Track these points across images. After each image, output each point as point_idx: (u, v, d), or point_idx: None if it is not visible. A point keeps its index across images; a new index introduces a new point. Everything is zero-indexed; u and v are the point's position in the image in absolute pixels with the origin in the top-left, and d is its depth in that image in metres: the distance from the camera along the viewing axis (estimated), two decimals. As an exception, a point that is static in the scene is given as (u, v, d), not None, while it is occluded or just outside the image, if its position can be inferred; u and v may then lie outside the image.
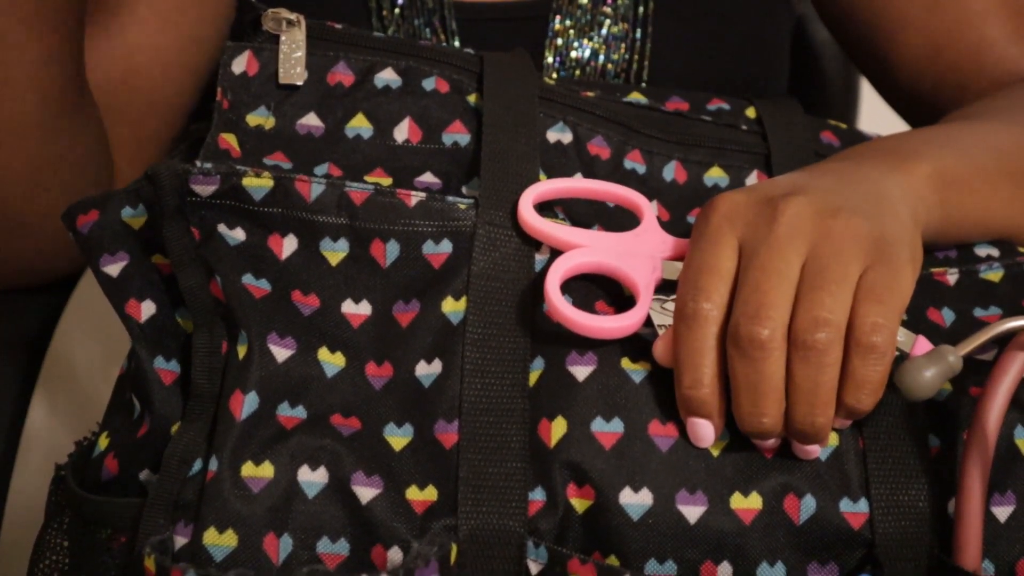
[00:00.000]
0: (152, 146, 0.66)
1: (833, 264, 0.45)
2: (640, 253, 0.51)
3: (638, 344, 0.49)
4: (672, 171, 0.58)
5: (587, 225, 0.54)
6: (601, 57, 0.65)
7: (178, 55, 0.65)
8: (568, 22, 0.65)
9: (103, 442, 0.52)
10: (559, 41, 0.65)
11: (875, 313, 0.44)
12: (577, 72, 0.66)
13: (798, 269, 0.46)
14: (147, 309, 0.52)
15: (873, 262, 0.46)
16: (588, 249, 0.51)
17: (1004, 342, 0.48)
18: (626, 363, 0.49)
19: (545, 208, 0.53)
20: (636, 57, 0.66)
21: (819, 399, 0.45)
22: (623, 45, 0.66)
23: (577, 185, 0.54)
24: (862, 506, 0.48)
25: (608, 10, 0.65)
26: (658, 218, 0.54)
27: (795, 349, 0.45)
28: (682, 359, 0.46)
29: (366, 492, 0.47)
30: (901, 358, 0.47)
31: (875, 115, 0.77)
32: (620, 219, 0.55)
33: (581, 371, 0.49)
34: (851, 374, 0.45)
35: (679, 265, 0.50)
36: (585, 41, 0.65)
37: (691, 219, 0.57)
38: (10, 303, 0.69)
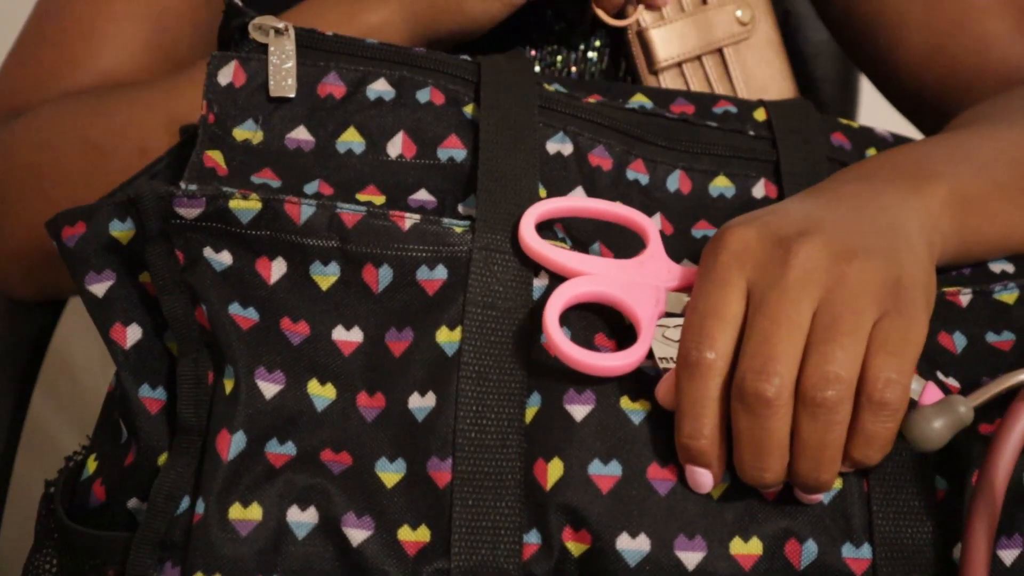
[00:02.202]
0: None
1: (846, 314, 0.43)
2: (644, 284, 0.49)
3: (638, 381, 0.48)
4: (676, 181, 0.56)
5: (588, 242, 0.52)
6: (581, 45, 0.64)
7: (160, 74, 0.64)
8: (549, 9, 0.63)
9: (91, 465, 0.51)
10: (540, 27, 0.63)
11: (889, 367, 0.43)
12: (559, 58, 0.64)
13: (809, 317, 0.44)
14: (132, 334, 0.50)
15: (887, 310, 0.44)
16: (590, 278, 0.49)
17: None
18: (625, 403, 0.48)
19: (544, 226, 0.51)
20: (622, 43, 0.64)
21: (825, 456, 0.43)
22: (604, 31, 0.64)
23: (580, 205, 0.52)
24: (865, 552, 0.46)
25: None
26: (661, 232, 0.53)
27: (803, 405, 0.43)
28: (683, 408, 0.45)
29: (357, 533, 0.46)
30: (909, 405, 0.46)
31: (875, 116, 0.75)
32: (622, 236, 0.53)
33: (579, 410, 0.47)
34: (861, 429, 0.44)
35: (684, 297, 0.49)
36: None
37: (696, 232, 0.55)
38: (10, 303, 0.68)
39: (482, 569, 0.46)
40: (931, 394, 0.45)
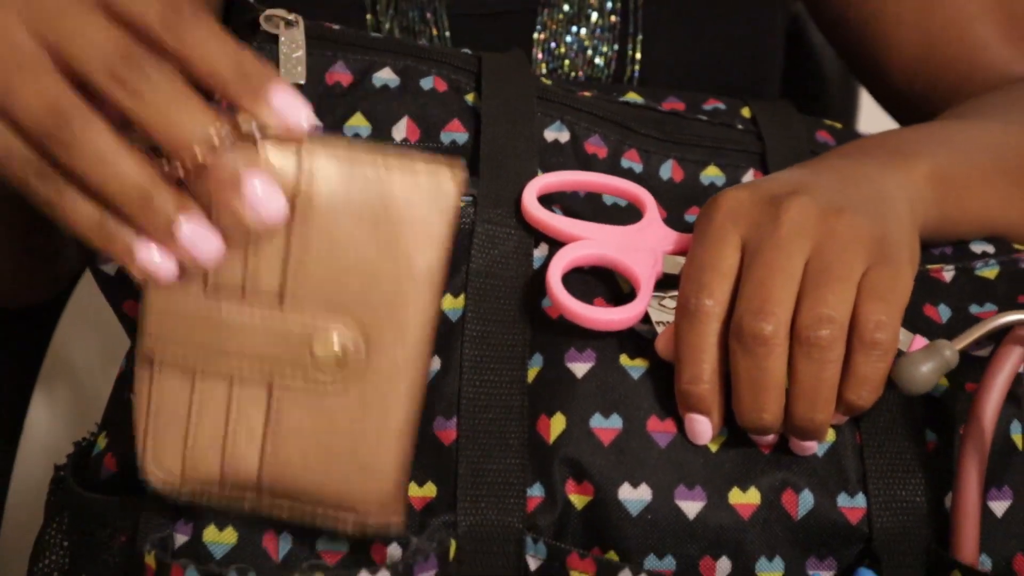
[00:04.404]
0: None
1: (837, 262, 0.45)
2: (642, 247, 0.51)
3: (637, 341, 0.50)
4: (669, 170, 0.58)
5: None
6: (589, 50, 0.66)
7: None
8: (557, 15, 0.66)
9: (102, 441, 0.52)
10: (547, 33, 0.66)
11: (879, 311, 0.45)
12: (566, 63, 0.66)
13: (801, 267, 0.46)
14: None
15: (875, 261, 0.46)
16: (590, 241, 0.51)
17: (1000, 338, 0.48)
18: (624, 360, 0.49)
19: (543, 204, 0.53)
20: (629, 48, 0.66)
21: (820, 396, 0.45)
22: (611, 36, 0.66)
23: (581, 178, 0.54)
24: (859, 501, 0.48)
25: (595, 2, 0.66)
26: None
27: (798, 345, 0.45)
28: (682, 354, 0.47)
29: (365, 489, 0.47)
30: (898, 356, 0.47)
31: (875, 117, 0.77)
32: (618, 217, 0.55)
33: (580, 368, 0.49)
34: (853, 371, 0.45)
35: (680, 260, 0.50)
36: (573, 34, 0.65)
37: (688, 218, 0.57)
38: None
39: (487, 521, 0.47)
40: (919, 345, 0.47)
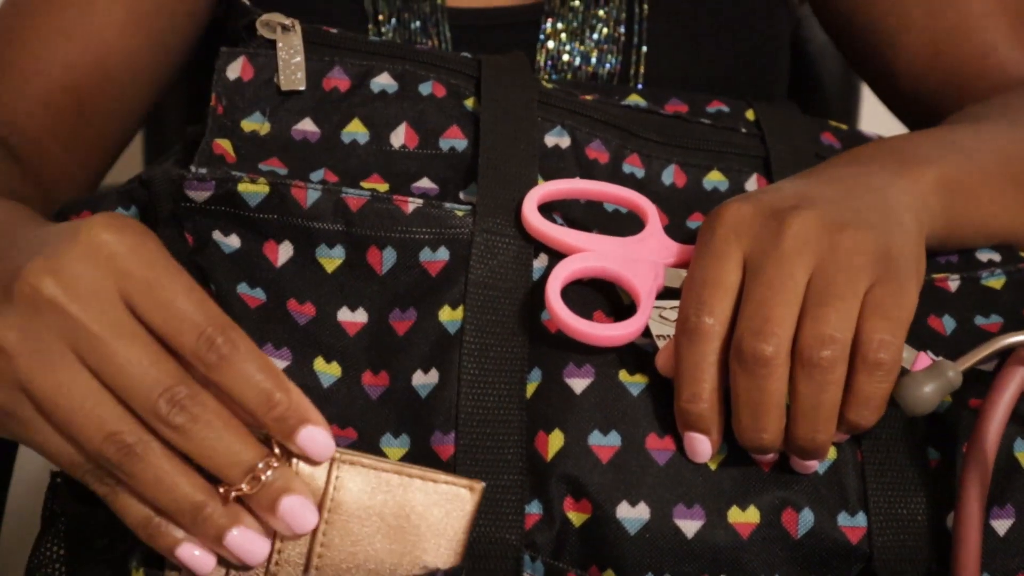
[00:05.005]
0: (112, 151, 0.67)
1: (840, 280, 0.45)
2: (643, 259, 0.50)
3: (636, 356, 0.49)
4: (671, 175, 0.58)
5: (586, 230, 0.54)
6: (593, 60, 0.65)
7: (149, 60, 0.65)
8: (560, 25, 0.65)
9: None
10: (550, 44, 0.65)
11: (882, 329, 0.44)
12: (568, 76, 0.66)
13: (804, 284, 0.45)
14: None
15: (879, 277, 0.45)
16: (590, 254, 0.50)
17: (1004, 354, 0.47)
18: (624, 375, 0.49)
19: (544, 212, 0.53)
20: (633, 59, 0.66)
21: (821, 416, 0.44)
22: (615, 47, 0.65)
23: (582, 186, 0.53)
24: (860, 520, 0.47)
25: (601, 13, 0.65)
26: None
27: (799, 366, 0.44)
28: (682, 373, 0.46)
29: (362, 505, 0.47)
30: (901, 374, 0.47)
31: (875, 118, 0.76)
32: (619, 225, 0.55)
33: (579, 383, 0.48)
34: (856, 390, 0.45)
35: (682, 272, 0.50)
36: (577, 44, 0.65)
37: (691, 224, 0.56)
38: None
39: (485, 538, 0.47)
40: (922, 362, 0.47)
